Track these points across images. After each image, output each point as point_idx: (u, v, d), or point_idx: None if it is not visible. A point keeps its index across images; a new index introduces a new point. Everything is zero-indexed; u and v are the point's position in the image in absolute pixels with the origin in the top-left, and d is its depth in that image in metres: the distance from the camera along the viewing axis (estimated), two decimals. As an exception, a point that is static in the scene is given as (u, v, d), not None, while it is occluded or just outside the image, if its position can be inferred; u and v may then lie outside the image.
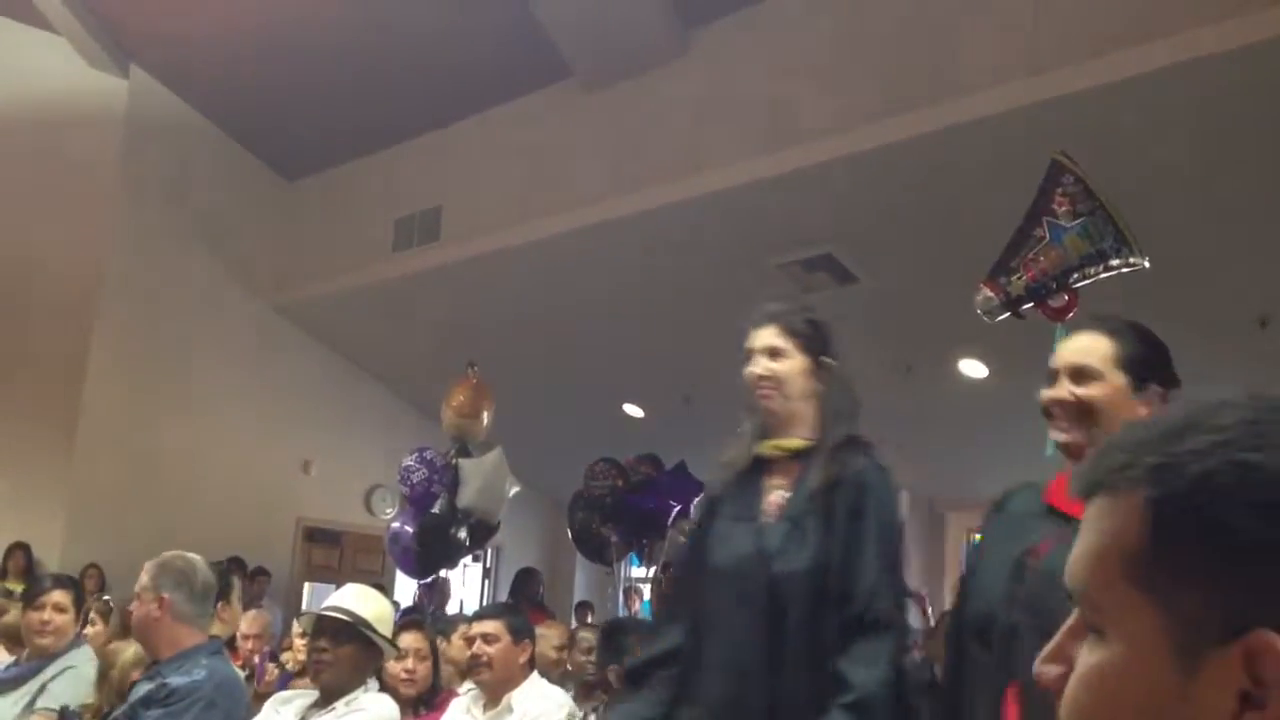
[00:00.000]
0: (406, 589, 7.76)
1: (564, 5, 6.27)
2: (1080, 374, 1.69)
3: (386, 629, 2.78)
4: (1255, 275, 5.28)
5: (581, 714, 3.23)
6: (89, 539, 7.42)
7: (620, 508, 6.28)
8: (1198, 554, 0.56)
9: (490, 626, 3.07)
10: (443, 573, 6.05)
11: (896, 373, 6.72)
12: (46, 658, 3.24)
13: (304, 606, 8.19)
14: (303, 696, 2.80)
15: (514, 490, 5.86)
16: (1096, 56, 4.59)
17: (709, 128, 6.13)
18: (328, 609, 2.71)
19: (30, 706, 3.11)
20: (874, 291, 6.27)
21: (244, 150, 8.64)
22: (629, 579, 7.58)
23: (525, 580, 7.54)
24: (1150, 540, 0.57)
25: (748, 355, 2.08)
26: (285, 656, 4.55)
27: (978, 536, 1.93)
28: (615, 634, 3.83)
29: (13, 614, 4.13)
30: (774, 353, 2.06)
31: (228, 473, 8.28)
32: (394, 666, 3.31)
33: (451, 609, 6.59)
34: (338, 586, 3.11)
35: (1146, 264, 2.46)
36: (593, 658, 4.06)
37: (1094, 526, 0.61)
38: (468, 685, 3.28)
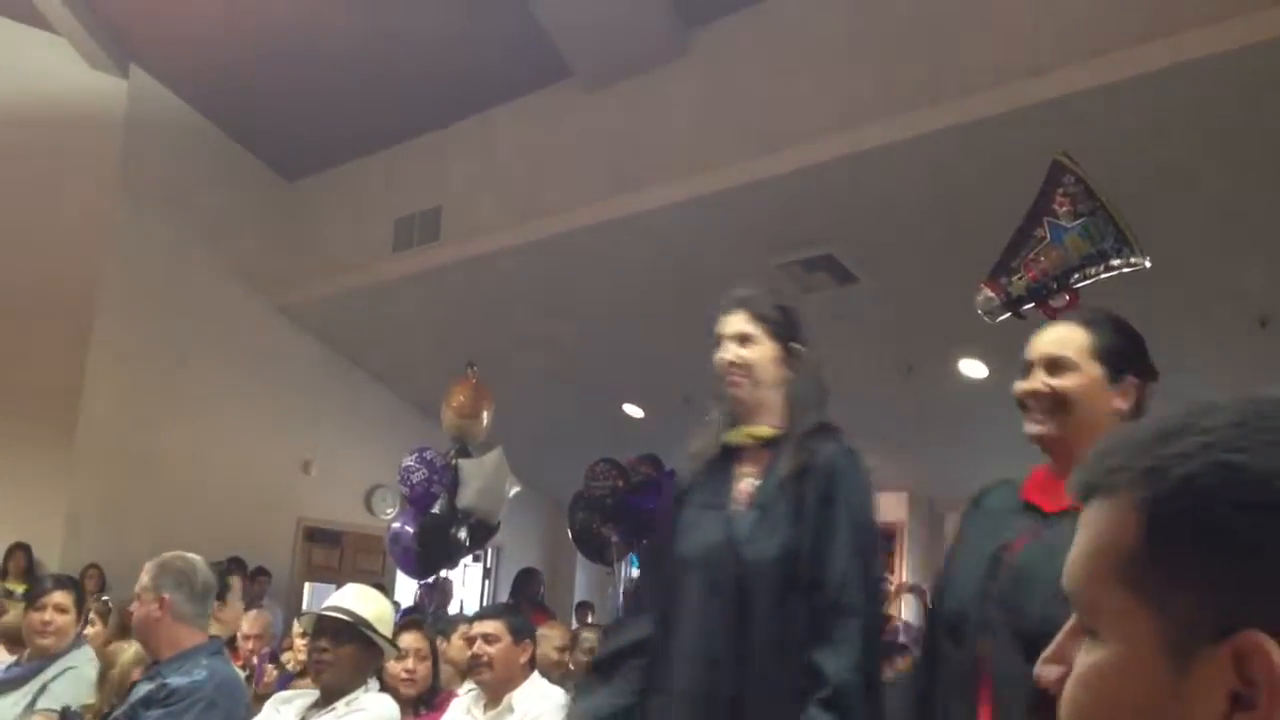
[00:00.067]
0: (407, 589, 7.77)
1: (564, 6, 6.27)
2: (1055, 365, 1.68)
3: (387, 629, 2.78)
4: (1254, 275, 5.28)
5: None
6: (89, 539, 7.42)
7: (621, 508, 6.28)
8: (1188, 555, 0.56)
9: (491, 627, 3.07)
10: (445, 573, 6.05)
11: (897, 373, 6.72)
12: (47, 658, 3.24)
13: (304, 606, 8.20)
14: (303, 696, 2.80)
15: (514, 490, 5.86)
16: (1096, 56, 4.59)
17: (709, 128, 6.13)
18: (328, 609, 2.71)
19: (31, 707, 3.11)
20: (874, 291, 6.27)
21: (244, 150, 8.64)
22: (629, 579, 7.59)
23: (526, 580, 7.55)
24: (1142, 542, 0.58)
25: (717, 341, 2.06)
26: (286, 656, 4.55)
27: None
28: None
29: (13, 614, 4.14)
30: (744, 339, 2.04)
31: (228, 473, 8.28)
32: (394, 666, 3.31)
33: (452, 609, 6.59)
34: (338, 586, 3.11)
35: (1148, 264, 2.46)
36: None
37: (1089, 529, 0.62)
38: (468, 685, 3.28)
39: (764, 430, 2.03)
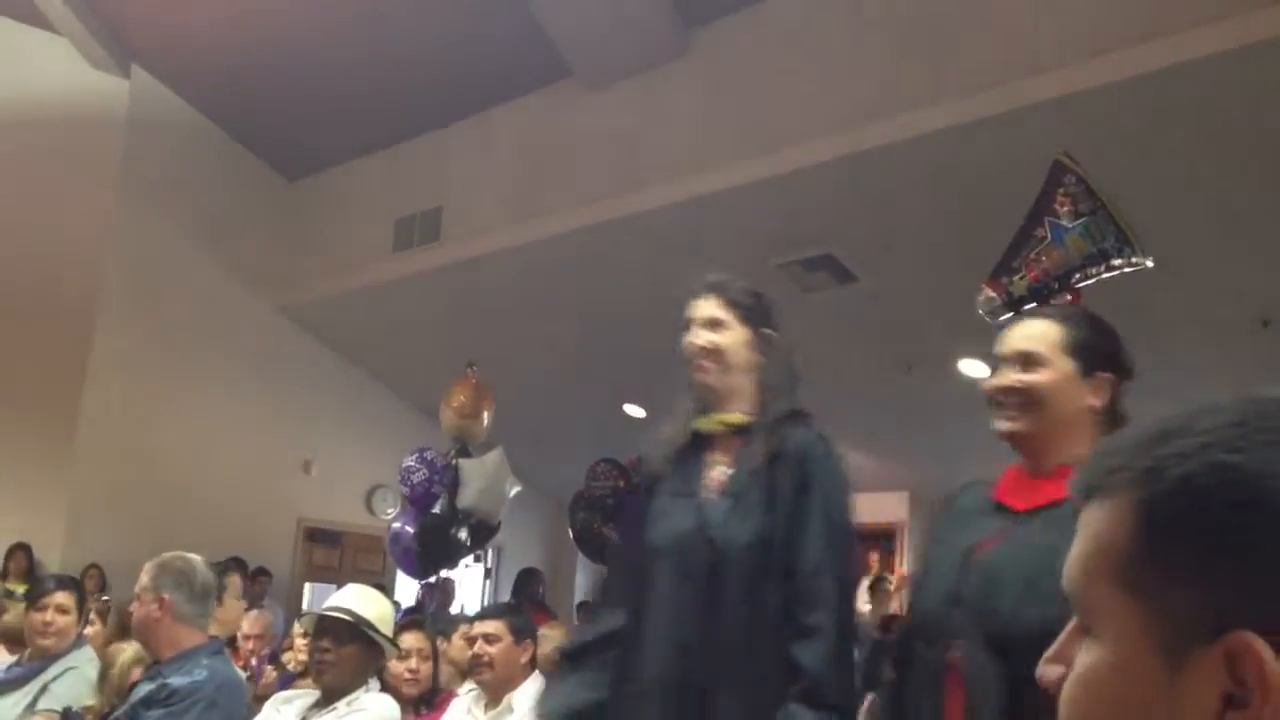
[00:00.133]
0: (407, 589, 7.77)
1: (564, 6, 6.27)
2: (1026, 360, 1.65)
3: (388, 629, 2.78)
4: (1255, 275, 5.28)
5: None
6: (89, 539, 7.42)
7: (621, 508, 6.28)
8: (1182, 556, 0.57)
9: (492, 626, 3.07)
10: (447, 573, 6.05)
11: (897, 372, 6.72)
12: (48, 658, 3.24)
13: (304, 606, 8.21)
14: (304, 696, 2.81)
15: (514, 490, 5.86)
16: (1096, 56, 4.60)
17: (709, 128, 6.13)
18: (329, 609, 2.71)
19: (32, 707, 3.11)
20: (874, 291, 6.27)
21: (244, 150, 8.64)
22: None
23: (527, 580, 7.55)
24: (1139, 542, 0.58)
25: (687, 326, 2.05)
26: (286, 657, 4.55)
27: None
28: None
29: (14, 614, 4.14)
30: (714, 324, 2.02)
31: (228, 473, 8.28)
32: (397, 666, 3.31)
33: (453, 609, 6.59)
34: (338, 587, 3.11)
35: (1149, 263, 2.46)
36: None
37: (1088, 529, 0.62)
38: (468, 685, 3.28)
39: (735, 417, 2.01)
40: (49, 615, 3.25)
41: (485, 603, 9.45)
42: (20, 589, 5.95)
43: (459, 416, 5.88)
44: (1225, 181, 4.82)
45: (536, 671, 3.17)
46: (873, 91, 5.40)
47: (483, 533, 5.78)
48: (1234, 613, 0.55)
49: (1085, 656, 0.61)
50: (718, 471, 1.99)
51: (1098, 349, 1.66)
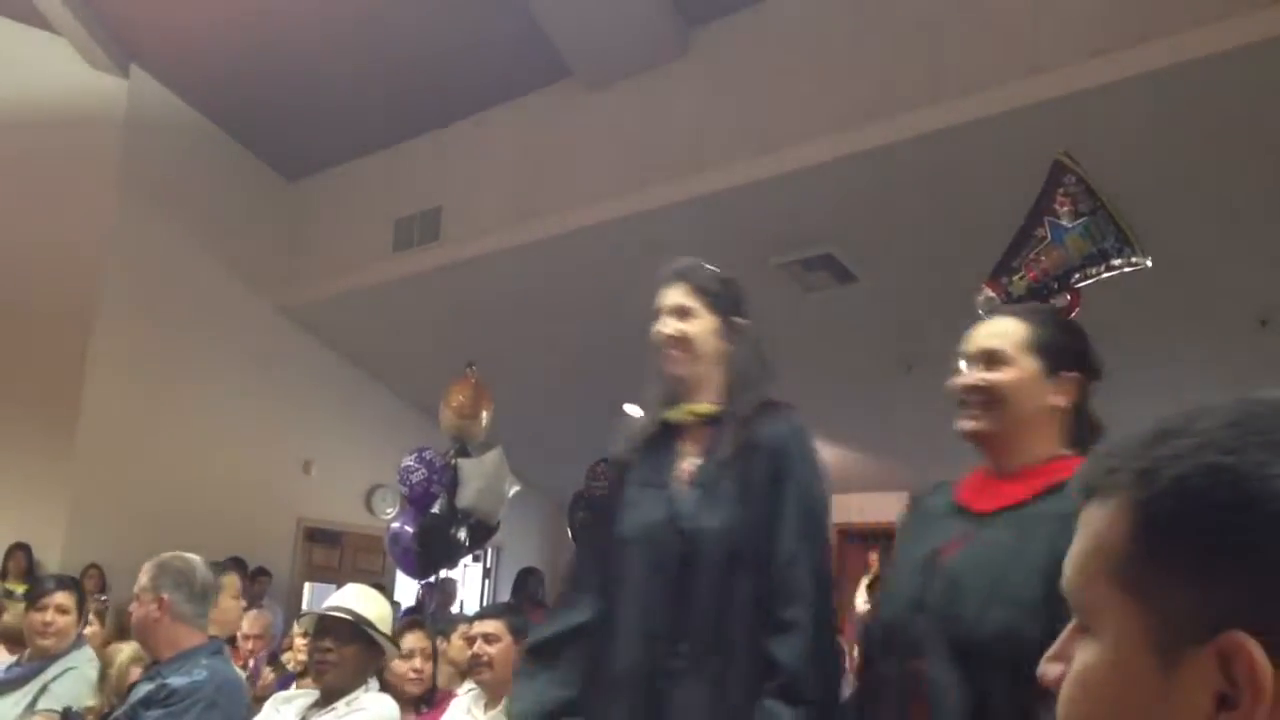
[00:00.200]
0: (407, 589, 7.77)
1: (564, 6, 6.27)
2: (990, 358, 1.62)
3: (387, 629, 2.78)
4: (1255, 275, 5.28)
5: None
6: (89, 539, 7.42)
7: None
8: (1176, 556, 0.57)
9: (491, 626, 3.07)
10: (449, 573, 6.05)
11: (897, 372, 6.72)
12: (48, 658, 3.24)
13: (304, 606, 8.21)
14: (303, 696, 2.81)
15: (514, 490, 5.86)
16: (1096, 56, 4.60)
17: (709, 128, 6.13)
18: (330, 609, 2.71)
19: (31, 707, 3.11)
20: (874, 291, 6.27)
21: (244, 150, 8.64)
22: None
23: (526, 580, 7.54)
24: (1133, 542, 0.59)
25: (656, 314, 2.01)
26: (286, 657, 4.55)
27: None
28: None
29: (13, 614, 4.13)
30: (682, 312, 1.98)
31: (228, 473, 8.28)
32: (402, 666, 3.31)
33: (453, 609, 6.59)
34: (338, 586, 3.11)
35: (1149, 263, 2.46)
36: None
37: (1087, 529, 0.63)
38: (468, 685, 3.28)
39: (704, 407, 1.97)
40: (49, 615, 3.25)
41: (484, 602, 9.45)
42: (20, 589, 5.95)
43: (458, 416, 5.88)
44: (1225, 181, 4.83)
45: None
46: (873, 91, 5.40)
47: (482, 532, 5.78)
48: (1229, 613, 0.55)
49: (1083, 655, 0.61)
50: (688, 462, 1.96)
51: (1063, 348, 1.63)
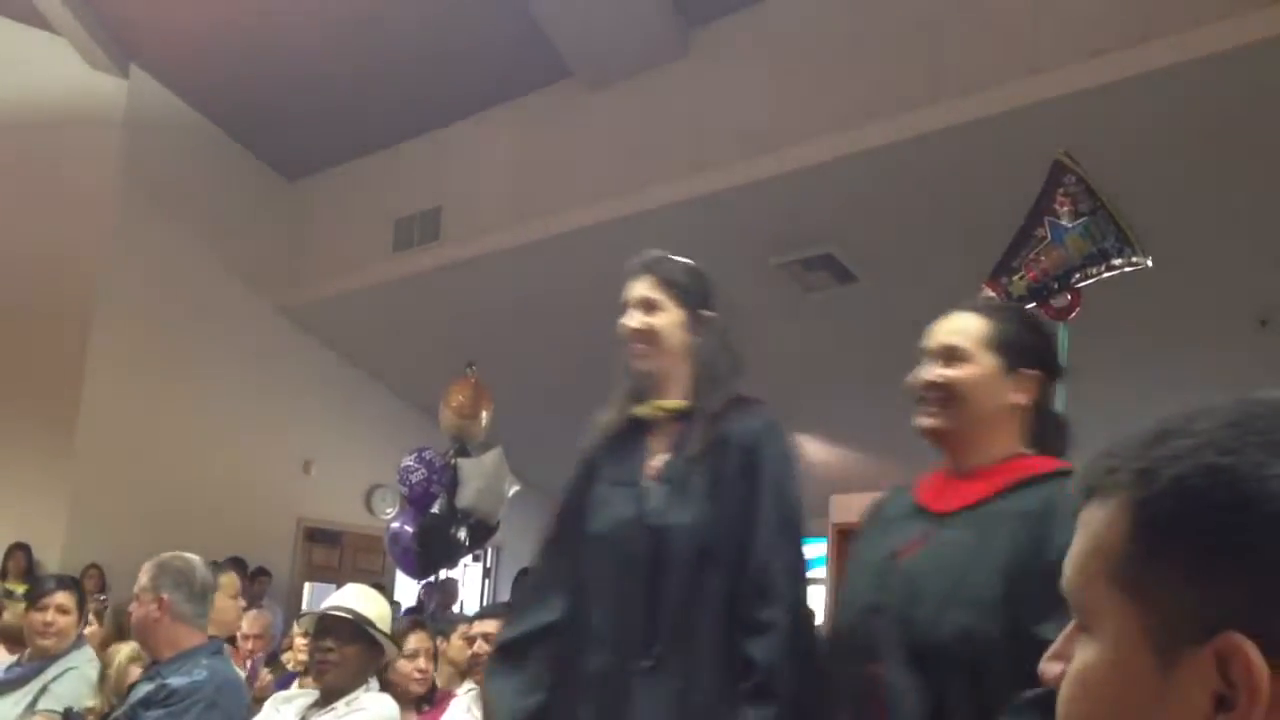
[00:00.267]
0: (407, 589, 7.76)
1: (564, 6, 6.27)
2: (949, 355, 1.60)
3: (387, 629, 2.78)
4: (1255, 275, 5.28)
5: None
6: (89, 539, 7.42)
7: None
8: (1174, 556, 0.57)
9: (492, 626, 3.06)
10: (449, 573, 6.05)
11: (897, 372, 6.72)
12: (48, 659, 3.24)
13: (304, 606, 8.20)
14: (303, 696, 2.80)
15: (514, 490, 5.86)
16: (1096, 56, 4.60)
17: (709, 128, 6.13)
18: (331, 609, 2.71)
19: (32, 707, 3.11)
20: (874, 291, 6.27)
21: (244, 150, 8.64)
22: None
23: (525, 580, 7.53)
24: (1134, 543, 0.59)
25: (623, 308, 1.97)
26: (286, 656, 4.55)
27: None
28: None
29: (12, 614, 4.13)
30: (648, 305, 1.94)
31: (228, 472, 8.28)
32: (406, 666, 3.30)
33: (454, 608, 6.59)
34: (338, 586, 3.11)
35: (1149, 263, 2.46)
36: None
37: (1086, 529, 0.63)
38: (468, 685, 3.28)
39: (673, 403, 1.93)
40: (49, 615, 3.25)
41: (484, 602, 9.45)
42: (20, 589, 5.94)
43: (458, 416, 5.88)
44: (1225, 181, 4.83)
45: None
46: (873, 91, 5.40)
47: (482, 532, 5.78)
48: (1227, 614, 0.55)
49: (1083, 655, 0.61)
50: (657, 459, 1.91)
51: (1024, 345, 1.60)
